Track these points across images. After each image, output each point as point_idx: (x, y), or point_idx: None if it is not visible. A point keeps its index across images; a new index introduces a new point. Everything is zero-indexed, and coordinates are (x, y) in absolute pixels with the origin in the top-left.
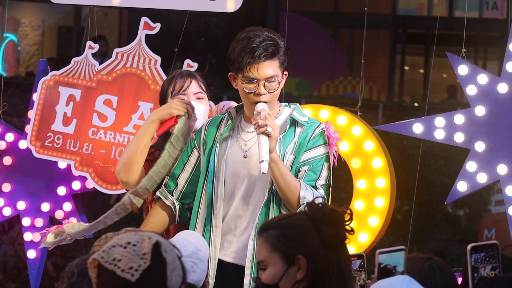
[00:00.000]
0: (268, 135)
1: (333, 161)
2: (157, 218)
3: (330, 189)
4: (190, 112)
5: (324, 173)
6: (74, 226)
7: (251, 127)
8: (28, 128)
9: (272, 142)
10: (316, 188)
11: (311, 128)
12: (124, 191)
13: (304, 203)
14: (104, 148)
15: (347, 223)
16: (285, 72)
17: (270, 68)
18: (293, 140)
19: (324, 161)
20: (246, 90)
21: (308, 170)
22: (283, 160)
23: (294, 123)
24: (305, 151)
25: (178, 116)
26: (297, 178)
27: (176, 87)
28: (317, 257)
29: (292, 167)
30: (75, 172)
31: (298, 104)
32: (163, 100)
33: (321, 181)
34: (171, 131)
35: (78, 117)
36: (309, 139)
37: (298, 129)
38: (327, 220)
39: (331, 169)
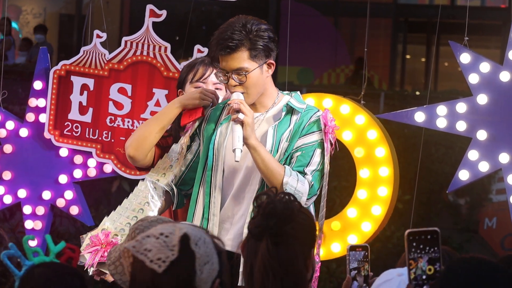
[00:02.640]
0: (241, 123)
1: (330, 149)
2: None
3: (326, 176)
4: (214, 101)
5: (316, 159)
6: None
7: None
8: (30, 117)
9: (247, 129)
10: (304, 174)
11: (307, 115)
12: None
13: (286, 189)
14: (124, 135)
15: (284, 222)
16: (269, 61)
17: (236, 60)
18: (288, 128)
19: (317, 147)
20: (220, 80)
21: (299, 156)
22: (278, 148)
23: (291, 110)
24: (299, 138)
25: (204, 108)
26: (290, 164)
27: (197, 75)
28: (248, 243)
29: (285, 154)
30: (96, 159)
31: (298, 92)
32: (181, 85)
33: (311, 167)
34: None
35: (94, 105)
36: (304, 126)
37: (295, 117)
38: (256, 212)
39: (329, 157)
